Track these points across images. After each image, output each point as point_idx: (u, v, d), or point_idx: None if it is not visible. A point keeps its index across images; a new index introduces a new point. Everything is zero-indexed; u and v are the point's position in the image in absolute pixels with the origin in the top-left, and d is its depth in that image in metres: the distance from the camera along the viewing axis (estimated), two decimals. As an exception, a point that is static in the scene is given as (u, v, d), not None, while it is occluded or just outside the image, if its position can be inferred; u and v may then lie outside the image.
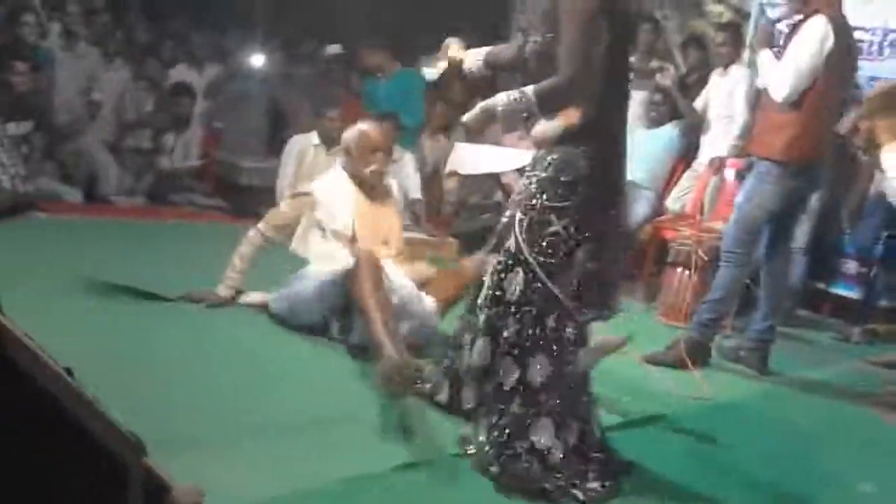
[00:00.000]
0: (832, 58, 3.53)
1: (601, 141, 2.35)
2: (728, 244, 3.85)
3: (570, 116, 2.31)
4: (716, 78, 5.45)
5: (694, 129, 5.53)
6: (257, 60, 7.17)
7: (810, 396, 3.80)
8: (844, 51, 3.62)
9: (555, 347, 2.37)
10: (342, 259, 3.42)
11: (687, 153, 5.62)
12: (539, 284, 2.36)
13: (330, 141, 5.58)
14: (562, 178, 2.35)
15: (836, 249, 5.47)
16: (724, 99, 5.33)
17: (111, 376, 2.29)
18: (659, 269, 5.08)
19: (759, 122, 3.97)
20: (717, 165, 5.26)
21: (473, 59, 2.72)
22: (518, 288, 2.38)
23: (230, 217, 5.96)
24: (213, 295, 3.66)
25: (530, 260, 2.36)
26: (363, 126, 3.79)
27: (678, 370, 3.69)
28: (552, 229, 2.35)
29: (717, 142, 5.34)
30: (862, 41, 5.74)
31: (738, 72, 5.32)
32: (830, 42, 3.50)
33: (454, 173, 6.00)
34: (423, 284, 3.60)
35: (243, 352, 3.22)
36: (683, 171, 5.57)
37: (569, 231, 2.35)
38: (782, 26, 4.02)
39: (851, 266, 5.41)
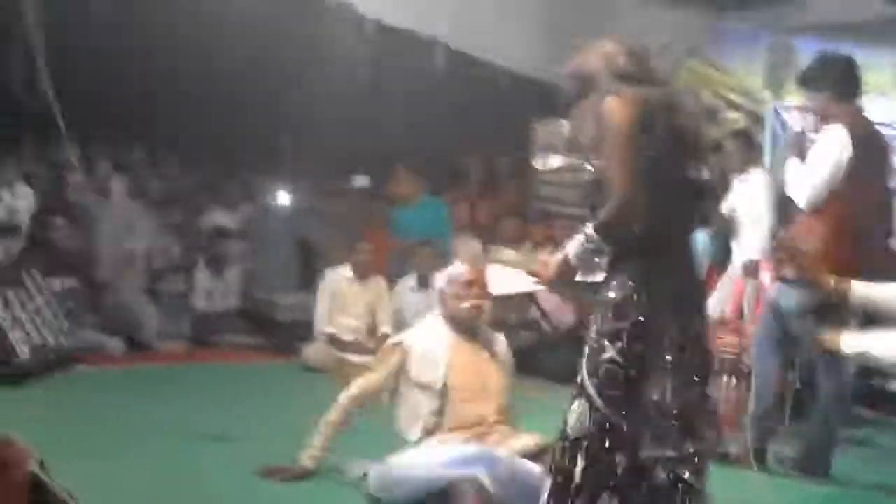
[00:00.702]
0: (852, 165, 3.52)
1: (651, 258, 2.22)
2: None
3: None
4: (736, 184, 5.50)
5: (723, 234, 5.54)
6: (285, 198, 7.39)
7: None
8: (871, 158, 3.61)
9: (628, 491, 2.13)
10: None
11: (721, 259, 5.61)
12: (600, 416, 2.16)
13: (362, 272, 5.68)
14: (611, 298, 2.22)
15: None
16: (747, 203, 5.36)
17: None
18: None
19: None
20: (751, 268, 5.24)
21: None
22: (580, 421, 2.19)
23: (271, 354, 6.00)
24: (295, 469, 3.25)
25: (591, 392, 2.18)
26: (452, 267, 3.48)
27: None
28: (606, 356, 2.18)
29: (747, 245, 5.34)
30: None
31: (757, 176, 5.36)
32: (848, 151, 3.51)
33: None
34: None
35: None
36: (719, 278, 5.55)
37: (627, 358, 2.16)
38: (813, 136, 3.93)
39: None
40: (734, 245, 5.49)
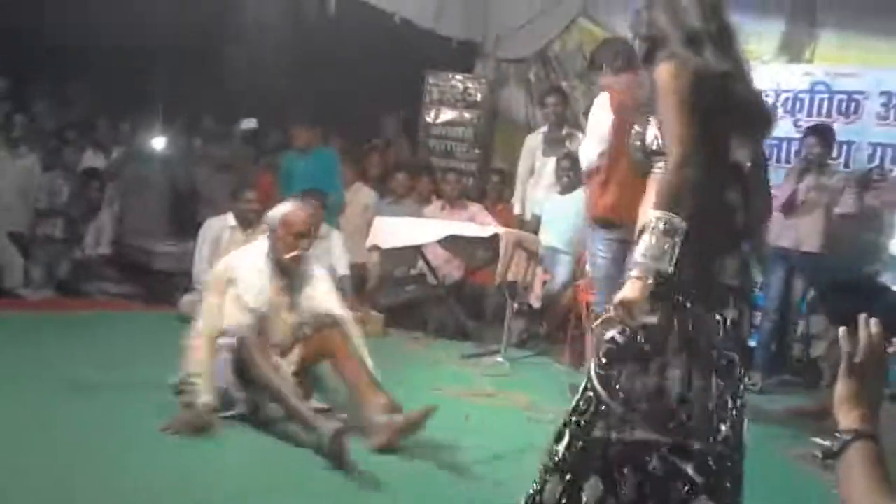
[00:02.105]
0: (615, 130, 3.87)
1: (695, 250, 2.00)
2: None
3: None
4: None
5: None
6: (160, 141, 7.05)
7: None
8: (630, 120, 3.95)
9: (617, 475, 2.01)
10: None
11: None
12: (592, 395, 2.04)
13: (246, 222, 5.51)
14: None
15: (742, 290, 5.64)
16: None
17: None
18: (582, 332, 5.13)
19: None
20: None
21: None
22: (580, 397, 2.08)
23: (145, 304, 5.78)
24: (196, 420, 3.21)
25: (591, 369, 2.07)
26: (288, 207, 3.64)
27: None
28: (607, 335, 2.05)
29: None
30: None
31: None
32: (608, 116, 3.89)
33: (375, 247, 5.98)
34: None
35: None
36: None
37: (627, 338, 2.02)
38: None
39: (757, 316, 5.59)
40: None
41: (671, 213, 1.95)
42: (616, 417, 2.01)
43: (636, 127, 2.19)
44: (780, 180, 5.35)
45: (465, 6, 7.32)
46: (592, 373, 2.06)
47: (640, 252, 1.97)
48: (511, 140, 6.88)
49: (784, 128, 5.90)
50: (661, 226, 1.95)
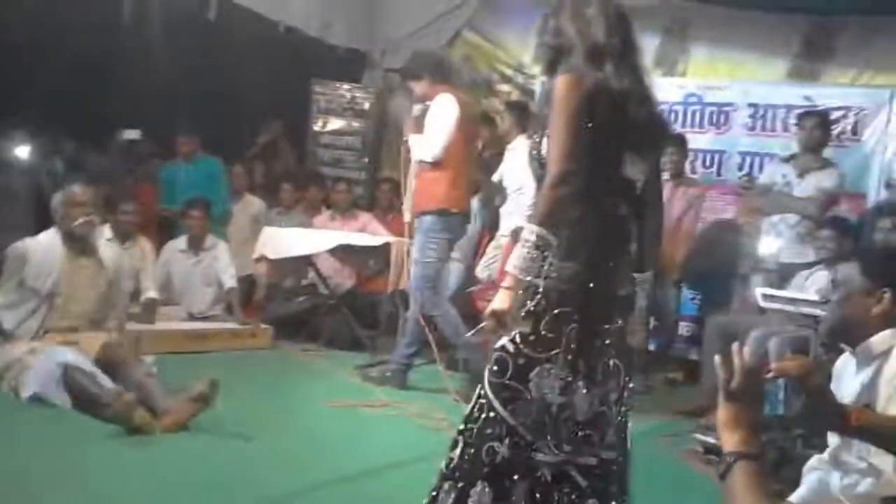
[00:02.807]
0: (457, 127, 4.48)
1: (574, 256, 2.03)
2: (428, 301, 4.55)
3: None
4: (507, 153, 5.73)
5: (492, 201, 5.76)
6: (24, 150, 6.65)
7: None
8: (466, 123, 4.56)
9: (506, 482, 2.01)
10: None
11: (490, 225, 5.84)
12: (485, 403, 2.05)
13: (124, 235, 5.30)
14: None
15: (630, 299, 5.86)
16: (515, 172, 5.60)
17: None
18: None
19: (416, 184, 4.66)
20: (518, 234, 5.49)
21: None
22: (471, 406, 2.09)
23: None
24: None
25: (484, 376, 2.08)
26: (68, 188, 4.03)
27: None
28: (498, 343, 2.05)
29: (514, 213, 5.58)
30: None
31: (521, 144, 5.59)
32: (456, 113, 4.47)
33: (263, 258, 5.86)
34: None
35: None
36: (489, 243, 5.78)
37: (517, 347, 2.02)
38: (417, 111, 4.74)
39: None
40: (502, 212, 5.73)
41: (543, 229, 1.97)
42: (506, 425, 2.02)
43: (533, 136, 2.21)
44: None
45: (352, 16, 7.30)
46: (485, 380, 2.07)
47: (511, 263, 2.02)
48: (398, 148, 6.89)
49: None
50: (532, 239, 1.98)
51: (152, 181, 6.59)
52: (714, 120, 6.11)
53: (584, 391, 2.03)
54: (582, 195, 2.02)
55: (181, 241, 5.76)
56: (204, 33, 6.16)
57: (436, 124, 4.51)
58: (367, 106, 7.68)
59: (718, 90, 6.12)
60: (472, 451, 2.05)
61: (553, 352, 2.01)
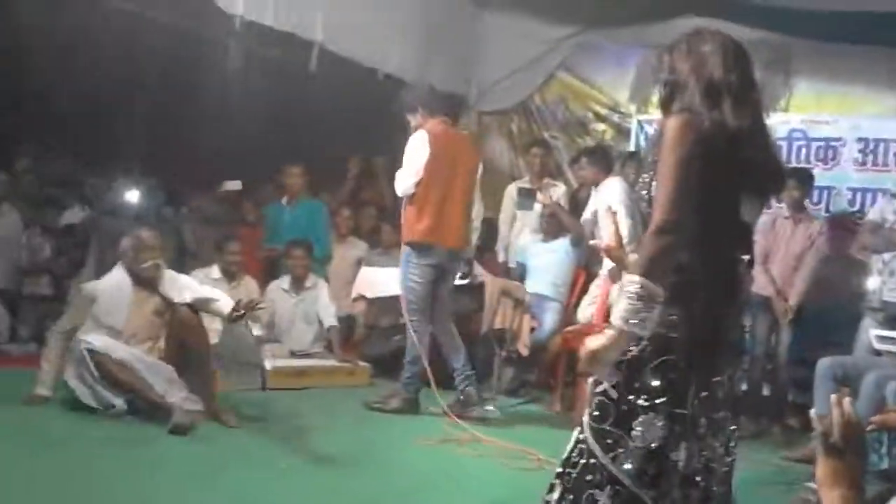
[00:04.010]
0: (431, 162, 4.68)
1: (681, 303, 1.94)
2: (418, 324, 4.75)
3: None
4: (594, 194, 5.69)
5: (584, 240, 5.72)
6: (133, 196, 7.00)
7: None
8: (446, 155, 4.74)
9: None
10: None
11: (587, 263, 5.79)
12: (585, 448, 1.99)
13: (231, 275, 5.51)
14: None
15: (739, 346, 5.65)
16: (605, 212, 5.55)
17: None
18: (574, 380, 5.12)
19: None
20: (615, 273, 5.42)
21: None
22: (571, 448, 2.05)
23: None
24: (35, 397, 4.15)
25: (584, 420, 2.01)
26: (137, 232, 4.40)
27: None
28: (600, 388, 1.99)
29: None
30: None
31: (612, 184, 5.51)
32: (427, 150, 4.67)
33: (361, 297, 5.98)
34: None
35: None
36: (588, 281, 5.72)
37: (620, 393, 1.95)
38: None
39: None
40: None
41: (646, 280, 1.85)
42: (608, 473, 1.95)
43: (643, 176, 2.10)
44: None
45: (448, 60, 7.45)
46: (585, 425, 2.01)
47: (615, 314, 1.90)
48: (495, 190, 6.95)
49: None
50: (635, 290, 1.86)
51: (255, 224, 6.83)
52: (821, 155, 5.92)
53: (689, 443, 1.95)
54: (689, 243, 1.92)
55: (284, 281, 5.94)
56: (305, 83, 6.38)
57: (407, 161, 4.74)
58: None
59: (824, 125, 5.95)
60: (572, 497, 1.99)
61: (658, 401, 1.93)
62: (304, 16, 5.90)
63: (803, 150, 5.98)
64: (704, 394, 1.96)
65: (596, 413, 1.98)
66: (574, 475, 2.00)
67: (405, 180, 4.75)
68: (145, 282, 4.34)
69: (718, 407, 2.00)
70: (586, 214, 5.68)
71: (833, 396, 1.40)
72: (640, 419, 1.93)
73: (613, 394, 1.95)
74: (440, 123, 4.87)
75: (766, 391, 5.24)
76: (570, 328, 5.49)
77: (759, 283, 5.18)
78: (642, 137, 6.71)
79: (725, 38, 2.06)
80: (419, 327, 4.77)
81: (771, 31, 6.14)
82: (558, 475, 2.05)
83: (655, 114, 6.77)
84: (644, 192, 2.07)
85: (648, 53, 6.92)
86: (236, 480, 3.29)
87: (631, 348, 1.93)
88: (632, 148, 6.69)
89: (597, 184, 5.56)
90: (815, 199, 5.84)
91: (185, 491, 3.13)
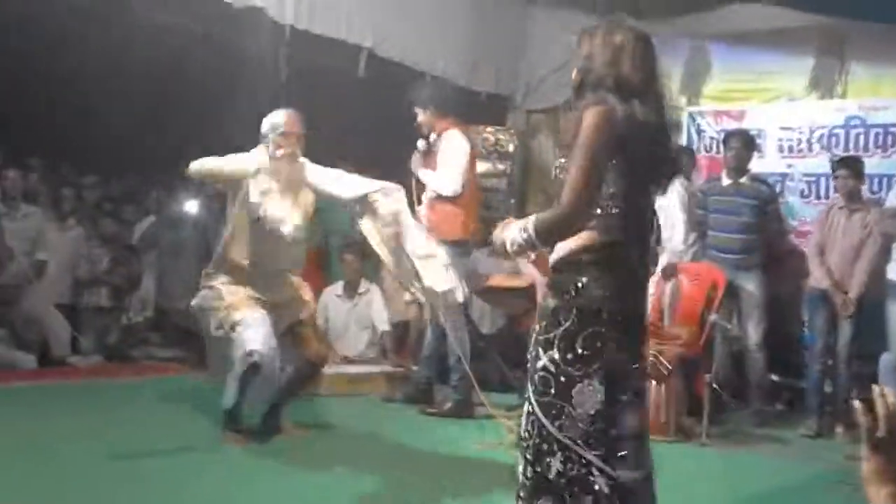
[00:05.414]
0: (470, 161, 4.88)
1: (600, 272, 2.13)
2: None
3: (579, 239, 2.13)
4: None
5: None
6: (193, 206, 7.13)
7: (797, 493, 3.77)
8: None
9: (566, 495, 2.10)
10: None
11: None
12: (535, 419, 2.15)
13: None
14: (547, 307, 2.17)
15: (797, 342, 5.53)
16: (664, 209, 5.48)
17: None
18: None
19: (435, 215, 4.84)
20: (669, 271, 5.36)
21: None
22: (524, 423, 2.20)
23: (191, 368, 5.82)
24: None
25: (530, 395, 2.18)
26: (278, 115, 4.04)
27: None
28: (539, 363, 2.15)
29: (665, 249, 5.45)
30: (790, 140, 6.05)
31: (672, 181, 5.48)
32: (469, 149, 4.90)
33: (415, 301, 6.00)
34: None
35: None
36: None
37: (558, 366, 2.11)
38: (422, 145, 5.00)
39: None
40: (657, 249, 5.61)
41: (535, 238, 2.09)
42: (557, 441, 2.12)
43: (560, 159, 2.25)
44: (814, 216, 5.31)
45: (496, 61, 7.42)
46: (532, 399, 2.17)
47: (509, 236, 2.15)
48: (545, 188, 6.92)
49: (820, 164, 5.85)
50: (524, 237, 2.10)
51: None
52: (880, 142, 5.74)
53: (626, 407, 2.13)
54: (610, 226, 2.12)
55: (338, 287, 6.00)
56: (354, 89, 6.43)
57: (453, 160, 4.81)
58: (511, 148, 7.74)
59: (883, 110, 5.75)
60: (532, 466, 2.14)
61: (591, 368, 2.10)
62: (352, 22, 5.93)
63: (861, 138, 5.80)
64: (632, 362, 2.17)
65: (539, 388, 2.14)
66: (530, 446, 2.15)
67: (455, 180, 4.80)
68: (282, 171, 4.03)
69: (645, 377, 2.28)
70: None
71: (875, 388, 1.31)
72: (576, 387, 2.10)
73: (552, 368, 2.12)
74: (453, 123, 4.93)
75: (827, 388, 5.09)
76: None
77: (816, 276, 5.06)
78: (693, 130, 6.60)
79: (638, 33, 2.22)
80: (461, 327, 4.81)
81: (824, 14, 5.97)
82: (521, 449, 2.21)
83: (706, 105, 6.70)
84: (562, 175, 2.18)
85: (698, 43, 6.83)
86: (297, 486, 3.34)
87: (562, 323, 2.11)
88: (684, 141, 6.58)
89: None
90: (873, 187, 5.66)
91: (251, 497, 3.19)
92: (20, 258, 6.04)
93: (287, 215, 3.87)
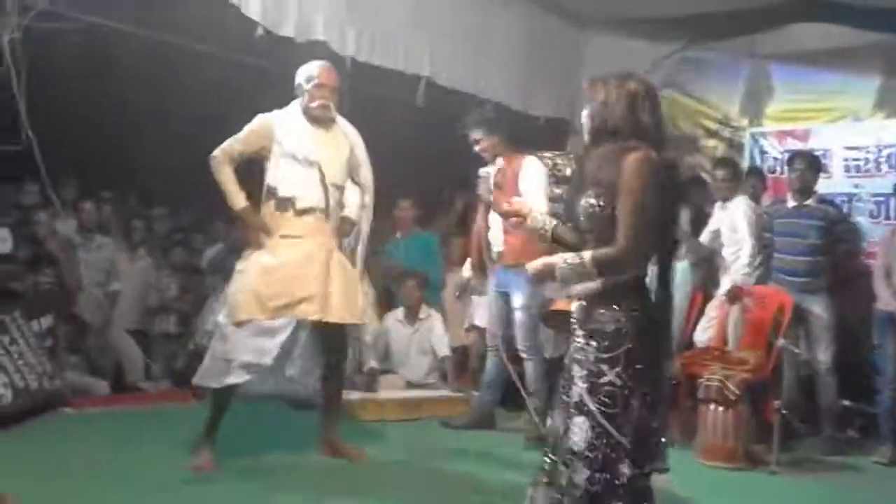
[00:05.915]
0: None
1: (643, 296, 2.40)
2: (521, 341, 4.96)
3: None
4: (718, 210, 5.55)
5: (705, 261, 5.58)
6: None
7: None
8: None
9: (631, 499, 2.35)
10: None
11: (704, 284, 5.65)
12: (602, 431, 2.34)
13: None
14: (607, 330, 2.37)
15: (868, 366, 5.37)
16: (729, 230, 5.42)
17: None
18: (693, 406, 4.98)
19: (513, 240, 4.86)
20: (734, 294, 5.27)
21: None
22: (585, 436, 2.36)
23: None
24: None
25: (593, 409, 2.35)
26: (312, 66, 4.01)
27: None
28: (605, 379, 2.34)
29: (730, 271, 5.38)
30: (857, 160, 5.93)
31: (738, 202, 5.42)
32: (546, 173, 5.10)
33: (473, 327, 6.03)
34: None
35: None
36: (705, 303, 5.58)
37: (623, 380, 2.34)
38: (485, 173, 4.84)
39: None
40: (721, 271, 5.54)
41: (591, 268, 2.32)
42: (624, 449, 2.34)
43: (590, 199, 2.38)
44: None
45: (553, 84, 7.45)
46: (596, 413, 2.34)
47: (560, 259, 2.44)
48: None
49: (889, 183, 5.72)
50: (577, 262, 2.35)
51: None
52: (949, 161, 5.60)
53: (663, 415, 2.48)
54: (647, 255, 2.37)
55: (399, 312, 6.06)
56: (413, 117, 6.52)
57: (537, 186, 4.90)
58: (568, 172, 7.73)
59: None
60: (598, 474, 2.32)
61: (647, 381, 2.34)
62: (411, 52, 6.04)
63: (928, 156, 5.66)
64: (664, 371, 2.50)
65: (606, 401, 2.33)
66: (597, 457, 2.32)
67: (544, 204, 4.76)
68: (316, 121, 4.06)
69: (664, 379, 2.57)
70: (708, 231, 5.56)
71: None
72: (636, 400, 2.33)
73: (618, 382, 2.33)
74: (517, 151, 5.04)
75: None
76: (688, 352, 5.35)
77: (883, 299, 4.93)
78: (756, 151, 6.51)
79: (648, 84, 2.44)
80: (540, 346, 5.04)
81: (885, 33, 5.87)
82: (581, 461, 2.35)
83: (769, 126, 6.61)
84: (593, 209, 2.37)
85: (758, 63, 6.76)
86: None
87: (624, 343, 2.32)
88: (746, 162, 6.50)
89: (728, 199, 5.45)
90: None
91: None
92: (91, 288, 6.26)
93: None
